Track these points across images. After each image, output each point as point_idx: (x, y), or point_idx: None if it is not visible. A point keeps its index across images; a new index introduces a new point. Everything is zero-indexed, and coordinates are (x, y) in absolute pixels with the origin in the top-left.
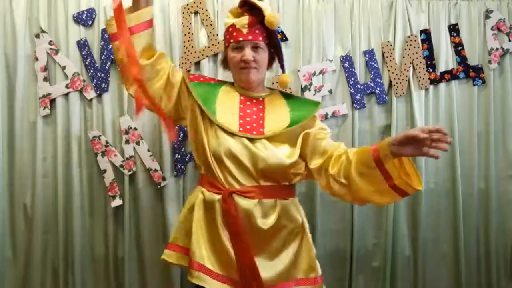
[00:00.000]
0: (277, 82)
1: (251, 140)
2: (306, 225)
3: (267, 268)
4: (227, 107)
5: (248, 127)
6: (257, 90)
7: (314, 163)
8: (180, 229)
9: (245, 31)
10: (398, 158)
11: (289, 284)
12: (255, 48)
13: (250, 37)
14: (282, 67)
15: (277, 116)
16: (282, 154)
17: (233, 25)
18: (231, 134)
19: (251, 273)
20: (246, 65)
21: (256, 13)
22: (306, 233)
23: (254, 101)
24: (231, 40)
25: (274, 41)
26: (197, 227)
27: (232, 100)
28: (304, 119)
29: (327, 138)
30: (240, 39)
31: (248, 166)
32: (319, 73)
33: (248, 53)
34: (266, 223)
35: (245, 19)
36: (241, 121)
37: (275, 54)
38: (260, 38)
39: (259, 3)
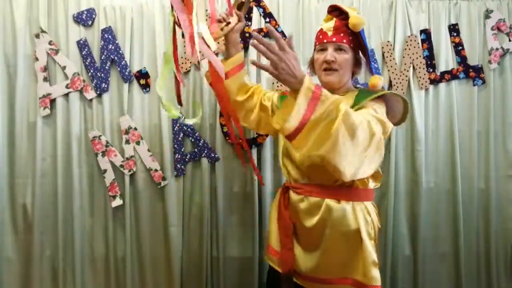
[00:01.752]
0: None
1: None
2: (364, 232)
3: (306, 260)
4: None
5: None
6: (338, 92)
7: None
8: None
9: (330, 33)
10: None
11: (340, 281)
12: (338, 50)
13: (334, 39)
14: (371, 69)
15: None
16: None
17: (321, 29)
18: None
19: (286, 255)
20: (327, 66)
21: (343, 17)
22: (361, 240)
23: None
24: (317, 43)
25: (361, 44)
26: (272, 213)
27: None
28: (359, 103)
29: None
30: (325, 41)
31: (298, 164)
32: None
33: (330, 54)
34: (310, 221)
35: (331, 23)
36: None
37: (363, 56)
38: (344, 41)
39: (346, 8)
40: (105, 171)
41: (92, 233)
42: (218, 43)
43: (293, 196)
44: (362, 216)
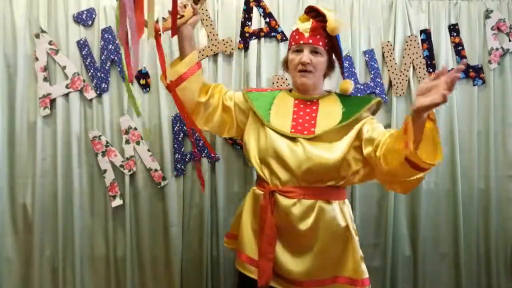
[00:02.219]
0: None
1: (297, 140)
2: (352, 229)
3: (298, 263)
4: (281, 111)
5: (299, 127)
6: (312, 93)
7: (366, 151)
8: (235, 218)
9: (306, 35)
10: (430, 126)
11: (331, 280)
12: (314, 52)
13: (310, 41)
14: (343, 74)
15: (329, 115)
16: (329, 153)
17: (297, 29)
18: (282, 135)
19: (266, 264)
20: (303, 68)
21: (320, 19)
22: (351, 237)
23: (309, 103)
24: (293, 43)
25: (336, 47)
26: (245, 218)
27: (286, 104)
28: (355, 114)
29: (378, 126)
30: (301, 42)
31: (292, 167)
32: None
33: (306, 56)
34: (304, 224)
35: (308, 24)
36: (294, 123)
37: (337, 60)
38: (320, 43)
39: (324, 10)
40: (105, 171)
41: (92, 233)
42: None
43: (283, 200)
44: (348, 213)
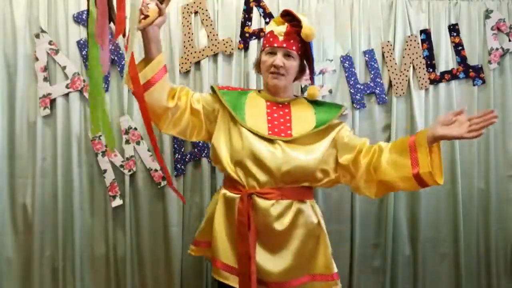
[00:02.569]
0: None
1: (275, 142)
2: (323, 225)
3: (277, 264)
4: (255, 112)
5: (276, 130)
6: (282, 96)
7: (345, 158)
8: (203, 225)
9: (281, 38)
10: (430, 148)
11: (306, 278)
12: (287, 56)
13: (284, 45)
14: (312, 79)
15: (303, 118)
16: (307, 156)
17: (271, 32)
18: (260, 137)
19: (247, 269)
20: (275, 70)
21: (295, 24)
22: (322, 233)
23: (280, 105)
24: (267, 45)
25: (308, 53)
26: (218, 223)
27: (259, 106)
28: (329, 120)
29: (352, 134)
30: (275, 45)
31: (271, 169)
32: (319, 73)
33: (279, 59)
34: (281, 223)
35: (283, 28)
36: (269, 125)
37: (308, 66)
38: (294, 48)
39: (299, 15)
40: (105, 171)
41: (92, 233)
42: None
43: (262, 202)
44: (318, 210)
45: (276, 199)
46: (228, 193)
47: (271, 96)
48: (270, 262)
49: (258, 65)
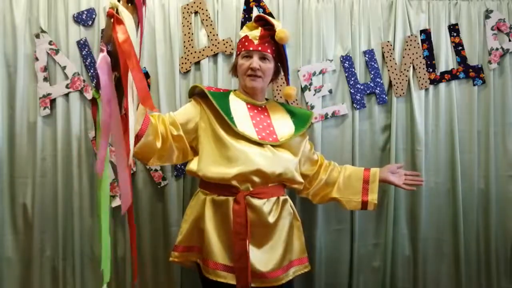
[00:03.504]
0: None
1: (265, 146)
2: (296, 214)
3: (267, 256)
4: (240, 115)
5: (263, 134)
6: (259, 98)
7: (307, 169)
8: (186, 230)
9: (256, 42)
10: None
11: (287, 267)
12: (262, 58)
13: (259, 48)
14: (287, 80)
15: (283, 123)
16: (294, 159)
17: (246, 36)
18: (251, 142)
19: (244, 265)
20: (252, 73)
21: (268, 28)
22: (297, 221)
23: (259, 108)
24: (242, 49)
25: (282, 55)
26: (209, 226)
27: (241, 109)
28: (304, 127)
29: (312, 148)
30: (250, 48)
31: (267, 173)
32: (319, 73)
33: (256, 61)
34: (272, 217)
35: (257, 32)
36: (257, 129)
37: (282, 68)
38: (269, 51)
39: (272, 20)
40: None
41: (92, 233)
42: None
43: (256, 201)
44: (290, 202)
45: (267, 198)
46: (217, 197)
47: (249, 98)
48: (260, 256)
49: (234, 69)
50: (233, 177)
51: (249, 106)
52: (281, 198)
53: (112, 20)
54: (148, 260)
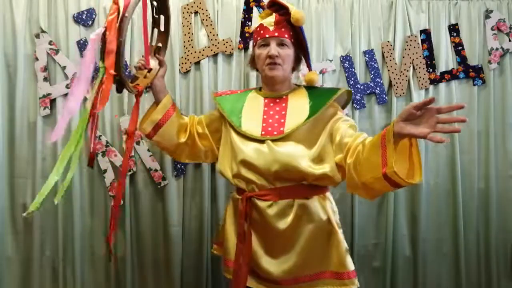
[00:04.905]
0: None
1: (264, 142)
2: (334, 221)
3: (280, 264)
4: (252, 113)
5: (269, 128)
6: (282, 88)
7: (337, 158)
8: (221, 225)
9: (271, 28)
10: (407, 143)
11: (317, 275)
12: (281, 45)
13: (276, 34)
14: (309, 65)
15: (297, 111)
16: (296, 152)
17: (261, 24)
18: (252, 140)
19: (241, 268)
20: (271, 61)
21: (283, 12)
22: (334, 229)
23: (278, 100)
24: (258, 38)
25: (301, 39)
26: (228, 224)
27: (256, 105)
28: (320, 108)
29: (347, 127)
30: (267, 35)
31: (262, 170)
32: (319, 73)
33: (274, 48)
34: (284, 222)
35: (272, 18)
36: (264, 124)
37: (302, 53)
38: (286, 36)
39: (286, 3)
40: (105, 171)
41: (92, 233)
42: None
43: (260, 203)
44: (329, 207)
45: (274, 200)
46: (235, 195)
47: (269, 92)
48: (272, 263)
49: (253, 61)
50: (233, 176)
51: (266, 100)
52: (300, 201)
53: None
54: (148, 260)
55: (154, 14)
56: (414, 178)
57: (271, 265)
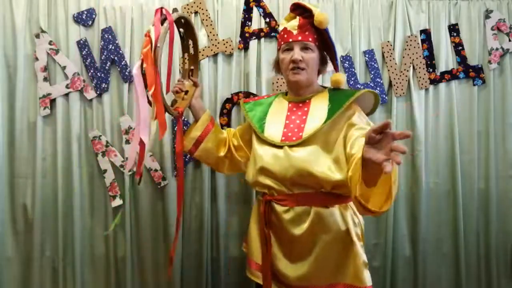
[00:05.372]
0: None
1: (283, 148)
2: (353, 233)
3: (296, 270)
4: (275, 118)
5: (289, 134)
6: (306, 92)
7: (347, 168)
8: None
9: (295, 32)
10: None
11: (332, 286)
12: (305, 49)
13: (299, 38)
14: (336, 66)
15: (317, 115)
16: (312, 158)
17: (284, 28)
18: (272, 145)
19: (266, 268)
20: (295, 65)
21: (307, 16)
22: (352, 241)
23: (301, 105)
24: (282, 42)
25: (326, 41)
26: (252, 225)
27: (281, 110)
28: (337, 111)
29: (358, 138)
30: (290, 40)
31: (279, 176)
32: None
33: (297, 53)
34: (300, 228)
35: (295, 21)
36: (285, 130)
37: (328, 54)
38: (310, 39)
39: (309, 5)
40: (105, 171)
41: (92, 233)
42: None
43: (278, 207)
44: (350, 217)
45: (291, 206)
46: (259, 197)
47: (293, 97)
48: (289, 267)
49: (277, 65)
50: (252, 183)
51: (290, 105)
52: (318, 209)
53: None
54: (148, 260)
55: (183, 40)
56: (381, 207)
57: (288, 269)
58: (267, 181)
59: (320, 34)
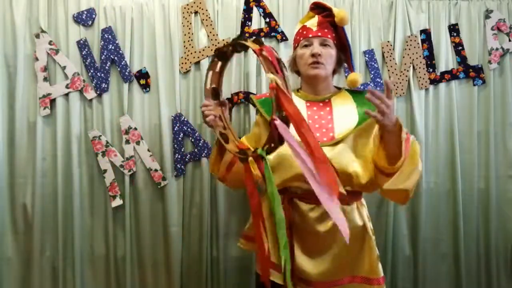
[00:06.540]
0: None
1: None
2: (369, 228)
3: (316, 266)
4: None
5: (318, 134)
6: (323, 91)
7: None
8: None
9: (314, 28)
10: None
11: (348, 279)
12: (323, 45)
13: (319, 34)
14: (352, 66)
15: (345, 116)
16: (346, 158)
17: (303, 26)
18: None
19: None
20: (314, 59)
21: (326, 15)
22: (368, 236)
23: (321, 104)
24: (301, 38)
25: (343, 41)
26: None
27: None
28: (368, 117)
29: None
30: (310, 35)
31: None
32: None
33: (317, 47)
34: (325, 225)
35: (315, 19)
36: None
37: (344, 55)
38: (329, 36)
39: (328, 4)
40: (105, 171)
41: (92, 233)
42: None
43: (302, 205)
44: (365, 213)
45: (315, 204)
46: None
47: (311, 96)
48: (309, 263)
49: (294, 62)
50: (281, 185)
51: (308, 104)
52: (340, 206)
53: (275, 92)
54: (148, 260)
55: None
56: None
57: (307, 264)
58: (296, 183)
59: (337, 34)
